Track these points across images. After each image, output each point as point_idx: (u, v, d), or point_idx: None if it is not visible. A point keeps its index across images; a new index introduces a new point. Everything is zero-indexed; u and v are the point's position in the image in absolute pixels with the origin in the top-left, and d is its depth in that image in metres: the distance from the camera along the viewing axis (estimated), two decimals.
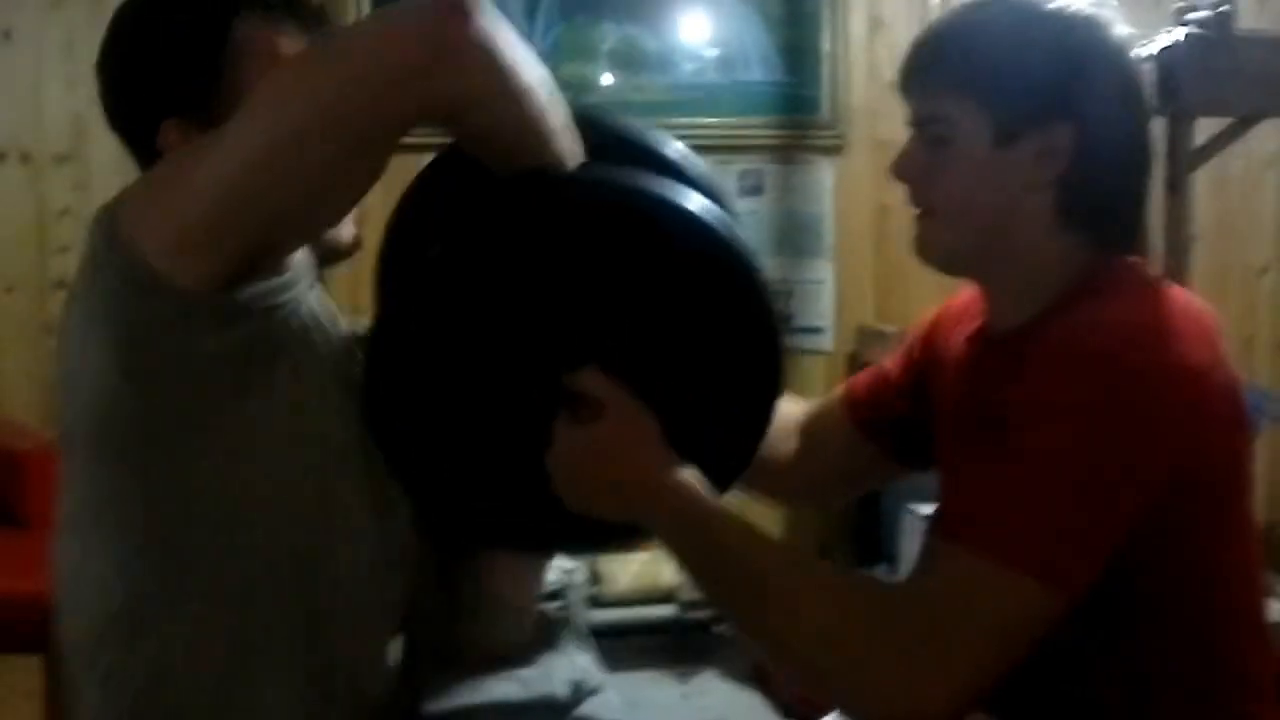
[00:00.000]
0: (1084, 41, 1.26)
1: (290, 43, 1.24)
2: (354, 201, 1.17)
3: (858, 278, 3.32)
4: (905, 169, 1.31)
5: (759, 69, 3.23)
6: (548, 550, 1.48)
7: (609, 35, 3.16)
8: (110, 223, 1.13)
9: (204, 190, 1.07)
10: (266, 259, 1.18)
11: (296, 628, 1.23)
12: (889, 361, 1.57)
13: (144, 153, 1.26)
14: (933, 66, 1.29)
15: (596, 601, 2.30)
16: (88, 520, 1.20)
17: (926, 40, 1.31)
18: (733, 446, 1.28)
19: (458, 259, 1.15)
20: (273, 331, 1.21)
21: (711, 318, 1.21)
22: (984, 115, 1.25)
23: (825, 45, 3.24)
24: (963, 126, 1.25)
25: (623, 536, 1.30)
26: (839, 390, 1.62)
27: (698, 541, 1.20)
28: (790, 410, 1.56)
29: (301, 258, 1.29)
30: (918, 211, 1.32)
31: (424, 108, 1.07)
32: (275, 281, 1.22)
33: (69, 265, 2.97)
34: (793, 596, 1.17)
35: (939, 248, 1.31)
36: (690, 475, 1.21)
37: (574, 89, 3.11)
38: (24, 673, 2.48)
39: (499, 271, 1.14)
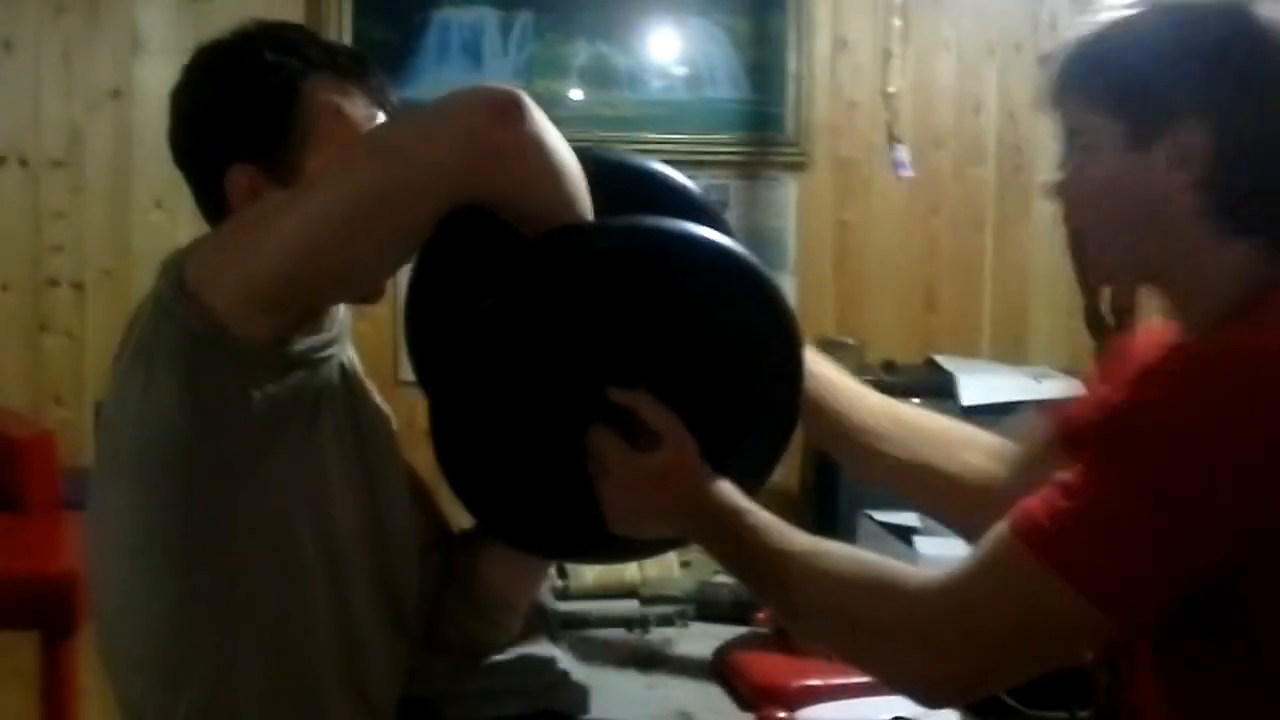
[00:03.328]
0: (1218, 34, 1.18)
1: (355, 105, 1.34)
2: (398, 268, 1.31)
3: (819, 291, 3.38)
4: (1057, 188, 1.28)
5: (726, 87, 3.31)
6: (584, 558, 1.58)
7: (581, 52, 3.25)
8: (178, 273, 1.22)
9: (271, 253, 1.18)
10: (314, 315, 1.30)
11: (330, 645, 1.35)
12: (1096, 386, 1.43)
13: (207, 190, 1.35)
14: (1063, 81, 1.26)
15: (563, 594, 2.38)
16: (133, 552, 1.28)
17: (1057, 56, 1.27)
18: (761, 458, 1.41)
19: (514, 309, 1.25)
20: (317, 382, 1.33)
21: (738, 337, 1.33)
22: (1115, 123, 1.20)
23: (790, 65, 3.31)
24: (1099, 137, 1.21)
25: (656, 548, 1.44)
26: (1049, 419, 1.45)
27: (745, 552, 1.29)
28: (981, 438, 1.53)
29: (343, 315, 1.41)
30: (1070, 231, 1.30)
31: (473, 197, 1.18)
32: (323, 337, 1.33)
33: (62, 264, 3.13)
34: (827, 595, 1.24)
35: (1099, 270, 1.29)
36: (729, 490, 1.30)
37: (546, 104, 3.19)
38: (20, 651, 2.56)
39: (552, 315, 1.26)
